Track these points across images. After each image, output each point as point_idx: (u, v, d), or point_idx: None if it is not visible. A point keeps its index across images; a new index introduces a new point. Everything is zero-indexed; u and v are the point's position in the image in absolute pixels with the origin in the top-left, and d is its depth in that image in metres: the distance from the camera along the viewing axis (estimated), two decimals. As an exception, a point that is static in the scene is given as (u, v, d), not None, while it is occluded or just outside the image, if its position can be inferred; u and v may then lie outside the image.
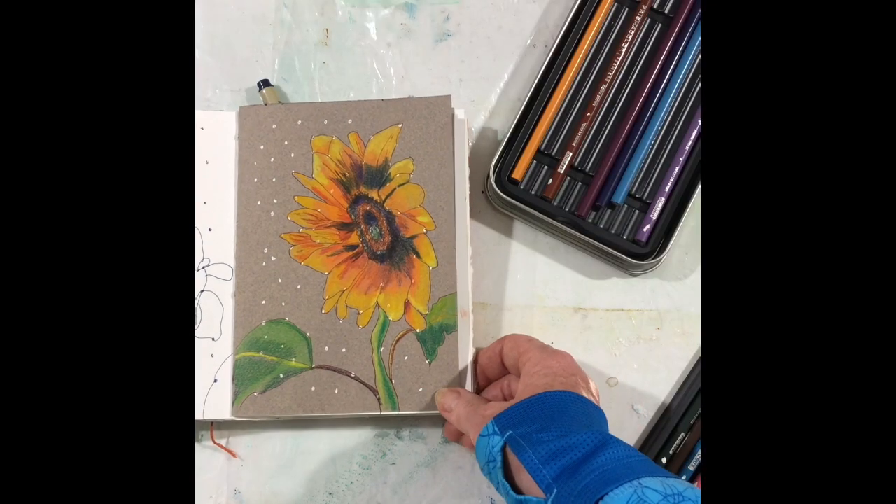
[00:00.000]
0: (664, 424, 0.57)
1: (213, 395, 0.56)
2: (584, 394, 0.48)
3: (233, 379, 0.56)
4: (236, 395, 0.56)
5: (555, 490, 0.42)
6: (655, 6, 0.62)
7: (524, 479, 0.45)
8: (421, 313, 0.56)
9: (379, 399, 0.55)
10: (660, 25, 0.62)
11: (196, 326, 0.58)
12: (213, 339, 0.57)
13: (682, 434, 0.57)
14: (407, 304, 0.56)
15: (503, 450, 0.46)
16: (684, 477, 0.56)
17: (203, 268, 0.58)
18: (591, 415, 0.47)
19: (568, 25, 0.61)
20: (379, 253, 0.57)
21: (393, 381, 0.55)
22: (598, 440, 0.44)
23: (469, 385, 0.55)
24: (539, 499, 0.43)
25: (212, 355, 0.57)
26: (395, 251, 0.57)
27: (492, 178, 0.59)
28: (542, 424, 0.46)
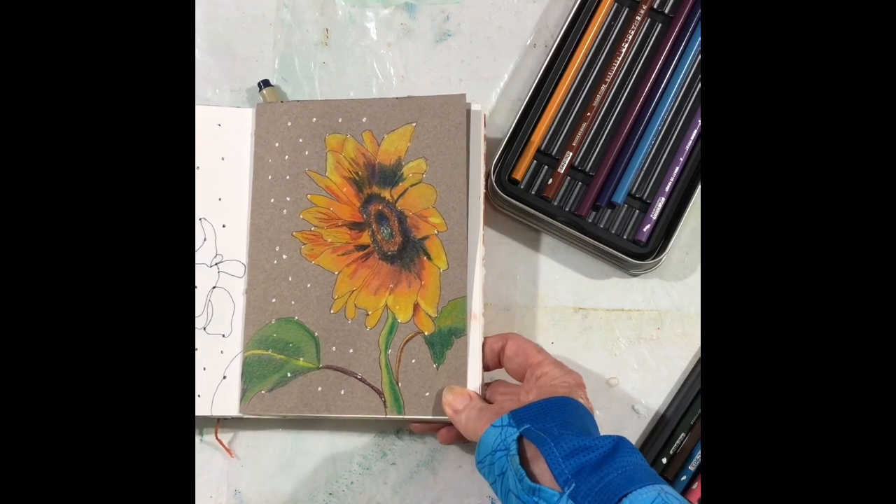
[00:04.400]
0: (664, 424, 0.57)
1: (221, 392, 0.56)
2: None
3: (241, 376, 0.56)
4: (244, 393, 0.56)
5: (573, 484, 0.43)
6: (655, 6, 0.62)
7: (537, 471, 0.45)
8: (430, 316, 0.56)
9: (385, 402, 0.55)
10: (660, 25, 0.62)
11: (207, 323, 0.58)
12: (223, 336, 0.57)
13: (682, 434, 0.57)
14: (416, 307, 0.56)
15: (518, 440, 0.46)
16: (684, 477, 0.56)
17: (216, 264, 0.58)
18: (597, 429, 0.49)
19: (568, 25, 0.61)
20: (389, 253, 0.57)
21: (399, 384, 0.55)
22: (615, 443, 0.45)
23: (478, 390, 0.54)
24: (554, 491, 0.43)
25: (221, 352, 0.57)
26: (406, 252, 0.57)
27: (492, 178, 0.59)
28: (561, 424, 0.46)
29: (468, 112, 0.58)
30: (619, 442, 0.45)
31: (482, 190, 0.57)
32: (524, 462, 0.46)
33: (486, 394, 0.55)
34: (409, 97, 0.59)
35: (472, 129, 0.58)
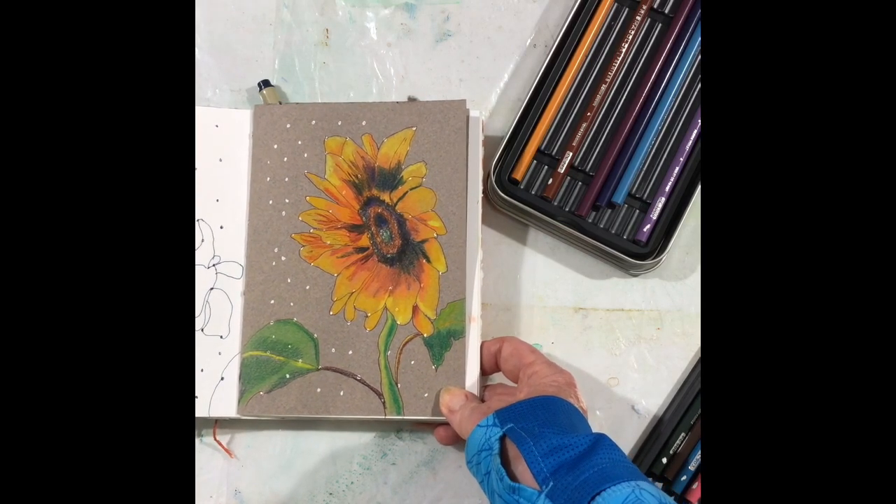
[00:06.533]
0: (664, 424, 0.57)
1: (219, 393, 0.56)
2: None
3: (239, 377, 0.56)
4: (242, 394, 0.56)
5: (551, 483, 0.43)
6: (655, 6, 0.62)
7: (519, 469, 0.45)
8: (429, 318, 0.56)
9: (384, 403, 0.55)
10: (660, 25, 0.62)
11: (205, 324, 0.58)
12: (220, 337, 0.57)
13: (682, 434, 0.57)
14: (415, 309, 0.56)
15: (501, 440, 0.46)
16: (684, 477, 0.56)
17: (213, 265, 0.58)
18: (586, 426, 0.49)
19: (568, 25, 0.61)
20: (389, 256, 0.57)
21: (398, 385, 0.55)
22: (594, 440, 0.45)
23: (476, 391, 0.55)
24: (533, 489, 0.43)
25: (219, 353, 0.57)
26: (405, 255, 0.57)
27: (492, 179, 0.59)
28: (543, 422, 0.46)
29: (466, 123, 0.58)
30: (598, 439, 0.45)
31: (480, 194, 0.57)
32: (506, 461, 0.46)
33: (485, 395, 0.55)
34: (409, 102, 0.59)
35: (471, 135, 0.58)
